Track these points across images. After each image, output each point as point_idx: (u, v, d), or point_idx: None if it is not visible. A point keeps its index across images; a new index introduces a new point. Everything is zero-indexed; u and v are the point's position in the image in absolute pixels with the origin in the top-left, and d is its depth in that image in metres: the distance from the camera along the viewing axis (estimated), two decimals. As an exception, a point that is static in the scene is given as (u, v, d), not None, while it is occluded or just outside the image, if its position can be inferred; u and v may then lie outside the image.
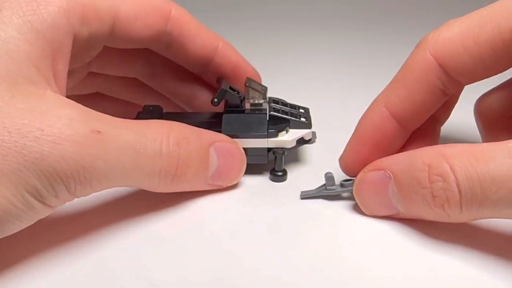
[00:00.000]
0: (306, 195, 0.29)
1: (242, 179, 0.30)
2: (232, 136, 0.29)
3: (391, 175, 0.25)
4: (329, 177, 0.29)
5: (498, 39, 0.25)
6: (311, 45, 0.58)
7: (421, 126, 0.29)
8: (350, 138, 0.29)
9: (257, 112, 0.30)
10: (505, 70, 0.26)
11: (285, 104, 0.32)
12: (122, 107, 0.36)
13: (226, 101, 0.31)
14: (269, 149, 0.30)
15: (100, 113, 0.24)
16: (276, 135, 0.30)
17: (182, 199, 0.28)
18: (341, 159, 0.29)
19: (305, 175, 0.32)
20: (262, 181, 0.31)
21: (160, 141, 0.25)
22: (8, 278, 0.23)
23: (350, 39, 0.60)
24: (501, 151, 0.22)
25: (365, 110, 0.29)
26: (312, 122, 0.31)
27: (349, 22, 0.65)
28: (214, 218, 0.27)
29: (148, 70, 0.33)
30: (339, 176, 0.29)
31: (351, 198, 0.28)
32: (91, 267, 0.24)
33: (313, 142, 0.32)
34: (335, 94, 0.44)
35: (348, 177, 0.29)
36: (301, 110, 0.32)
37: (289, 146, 0.30)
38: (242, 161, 0.29)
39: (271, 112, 0.30)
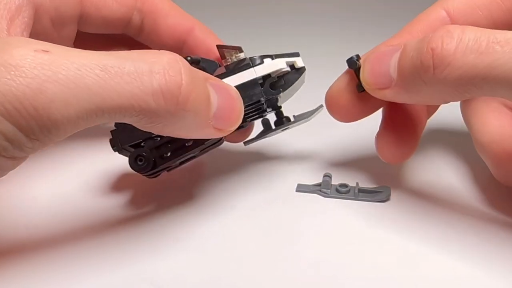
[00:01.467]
0: (301, 190, 0.30)
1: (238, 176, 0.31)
2: (221, 77, 0.27)
3: (402, 46, 0.25)
4: (325, 180, 0.30)
5: None
6: (306, 41, 0.58)
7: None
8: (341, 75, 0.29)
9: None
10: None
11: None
12: None
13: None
14: (261, 84, 0.28)
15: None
16: (261, 61, 0.28)
17: (179, 198, 0.29)
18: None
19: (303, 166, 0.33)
20: (259, 176, 0.31)
21: (150, 61, 0.21)
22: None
23: (345, 36, 0.59)
24: None
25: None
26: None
27: (345, 21, 0.65)
28: (211, 218, 0.28)
29: (136, 23, 0.31)
30: (338, 176, 0.30)
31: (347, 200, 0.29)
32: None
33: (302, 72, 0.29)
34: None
35: (345, 183, 0.30)
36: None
37: (282, 67, 0.28)
38: (240, 101, 0.25)
39: (251, 57, 0.28)
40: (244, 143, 0.31)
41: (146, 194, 0.28)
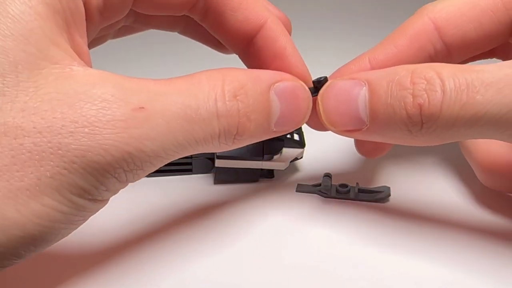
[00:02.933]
0: (301, 190, 0.30)
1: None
2: (226, 158, 0.28)
3: (365, 83, 0.23)
4: (325, 179, 0.30)
5: (498, 1, 0.25)
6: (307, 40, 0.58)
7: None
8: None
9: None
10: (501, 42, 0.26)
11: None
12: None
13: None
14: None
15: (138, 80, 0.20)
16: (271, 159, 0.29)
17: (179, 201, 0.29)
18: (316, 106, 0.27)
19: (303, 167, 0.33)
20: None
21: (214, 99, 0.21)
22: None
23: (345, 36, 0.59)
24: (493, 65, 0.21)
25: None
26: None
27: (343, 21, 0.65)
28: (210, 219, 0.28)
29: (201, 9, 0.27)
30: (338, 176, 0.30)
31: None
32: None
33: (301, 157, 0.31)
34: None
35: (345, 183, 0.30)
36: None
37: (283, 168, 0.30)
38: (308, 100, 0.24)
39: None
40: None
41: (141, 196, 0.28)
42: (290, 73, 0.25)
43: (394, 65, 0.24)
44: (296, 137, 0.31)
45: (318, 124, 0.25)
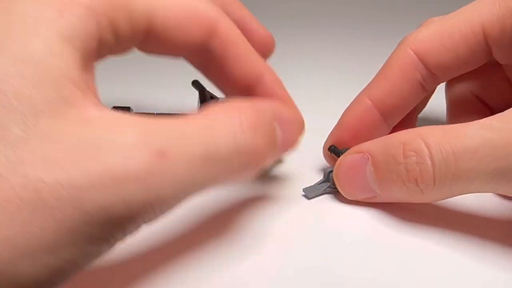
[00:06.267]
0: (313, 195, 0.29)
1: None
2: None
3: (369, 157, 0.26)
4: (331, 175, 0.29)
5: (470, 32, 0.27)
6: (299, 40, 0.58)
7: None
8: (333, 128, 0.30)
9: None
10: (480, 64, 0.29)
11: None
12: None
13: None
14: None
15: (157, 121, 0.19)
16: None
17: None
18: (324, 148, 0.30)
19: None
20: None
21: (234, 135, 0.21)
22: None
23: (338, 37, 0.59)
24: (473, 126, 0.23)
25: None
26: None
27: (338, 20, 0.65)
28: (212, 221, 0.27)
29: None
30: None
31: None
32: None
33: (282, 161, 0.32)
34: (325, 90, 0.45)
35: None
36: None
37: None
38: (301, 124, 0.26)
39: None
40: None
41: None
42: (286, 122, 0.26)
43: (391, 99, 0.28)
44: None
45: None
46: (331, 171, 0.28)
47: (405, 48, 0.28)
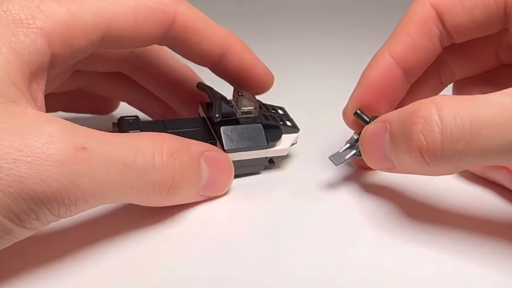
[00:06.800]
0: (339, 161, 0.29)
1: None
2: (235, 151, 0.29)
3: (388, 126, 0.25)
4: (355, 140, 0.29)
5: None
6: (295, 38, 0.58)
7: (424, 81, 0.31)
8: (355, 89, 0.30)
9: (250, 120, 0.30)
10: (492, 32, 0.29)
11: (264, 106, 0.33)
12: (102, 104, 0.36)
13: (206, 107, 0.31)
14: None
15: (87, 128, 0.23)
16: (275, 145, 0.30)
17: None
18: (345, 111, 0.30)
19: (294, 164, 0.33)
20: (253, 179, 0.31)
21: (153, 154, 0.24)
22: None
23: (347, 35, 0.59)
24: (494, 94, 0.22)
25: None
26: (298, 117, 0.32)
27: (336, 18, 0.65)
28: (211, 220, 0.28)
29: (132, 62, 0.32)
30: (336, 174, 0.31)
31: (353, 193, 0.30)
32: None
33: (296, 142, 0.32)
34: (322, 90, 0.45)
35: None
36: (280, 112, 0.33)
37: (285, 154, 0.31)
38: (231, 170, 0.28)
39: (264, 122, 0.30)
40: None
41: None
42: (259, 80, 0.30)
43: (413, 54, 0.28)
44: (288, 123, 0.32)
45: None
46: (357, 139, 0.28)
47: (424, 2, 0.28)
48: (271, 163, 0.31)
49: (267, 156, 0.30)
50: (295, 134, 0.31)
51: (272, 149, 0.30)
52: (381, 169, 0.27)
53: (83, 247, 0.25)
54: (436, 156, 0.22)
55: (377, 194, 0.29)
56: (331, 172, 0.31)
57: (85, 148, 0.21)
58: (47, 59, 0.24)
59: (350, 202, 0.29)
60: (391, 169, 0.26)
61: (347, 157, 0.29)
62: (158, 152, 0.24)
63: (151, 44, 0.28)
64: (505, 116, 0.21)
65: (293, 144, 0.31)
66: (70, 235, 0.25)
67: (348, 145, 0.29)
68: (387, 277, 0.24)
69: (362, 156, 0.27)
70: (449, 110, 0.22)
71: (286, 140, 0.31)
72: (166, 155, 0.24)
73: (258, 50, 0.32)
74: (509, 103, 0.21)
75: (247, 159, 0.30)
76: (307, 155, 0.33)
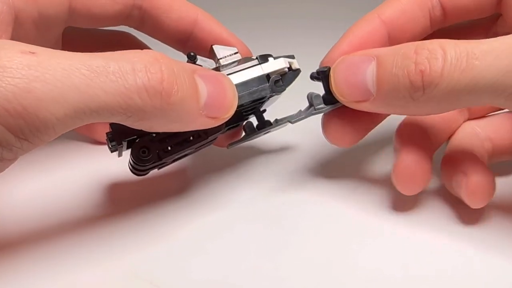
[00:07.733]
0: (297, 119, 0.29)
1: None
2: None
3: (375, 58, 0.25)
4: (316, 96, 0.28)
5: None
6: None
7: None
8: (337, 42, 0.29)
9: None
10: (484, 15, 0.29)
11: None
12: None
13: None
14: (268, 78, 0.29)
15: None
16: (266, 59, 0.29)
17: (176, 198, 0.29)
18: (323, 61, 0.29)
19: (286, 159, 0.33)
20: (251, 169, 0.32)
21: (131, 59, 0.21)
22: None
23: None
24: (490, 39, 0.23)
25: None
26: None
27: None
28: (211, 220, 0.28)
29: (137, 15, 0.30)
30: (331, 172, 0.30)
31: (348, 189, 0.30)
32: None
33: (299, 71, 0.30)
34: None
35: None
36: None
37: (285, 66, 0.29)
38: (232, 87, 0.26)
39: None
40: (228, 145, 0.31)
41: (136, 192, 0.27)
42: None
43: (401, 19, 0.28)
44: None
45: (336, 136, 0.28)
46: (316, 95, 0.28)
47: (373, 15, 0.29)
48: (279, 86, 0.29)
49: (264, 72, 0.29)
50: (292, 60, 0.30)
51: (266, 64, 0.29)
52: (352, 100, 0.26)
53: (82, 246, 0.25)
54: (434, 82, 0.23)
55: (378, 194, 0.29)
56: (333, 172, 0.31)
57: (34, 53, 0.19)
58: (8, 17, 0.23)
59: (350, 202, 0.29)
60: (365, 100, 0.25)
61: (304, 114, 0.29)
62: (138, 58, 0.22)
63: (122, 16, 0.29)
64: (500, 49, 0.22)
65: (298, 70, 0.30)
66: (70, 235, 0.26)
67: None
68: (389, 277, 0.24)
69: (333, 85, 0.26)
70: (450, 45, 0.23)
71: (281, 60, 0.29)
72: (149, 60, 0.22)
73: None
74: (508, 40, 0.23)
75: (247, 80, 0.28)
76: (308, 155, 0.33)
